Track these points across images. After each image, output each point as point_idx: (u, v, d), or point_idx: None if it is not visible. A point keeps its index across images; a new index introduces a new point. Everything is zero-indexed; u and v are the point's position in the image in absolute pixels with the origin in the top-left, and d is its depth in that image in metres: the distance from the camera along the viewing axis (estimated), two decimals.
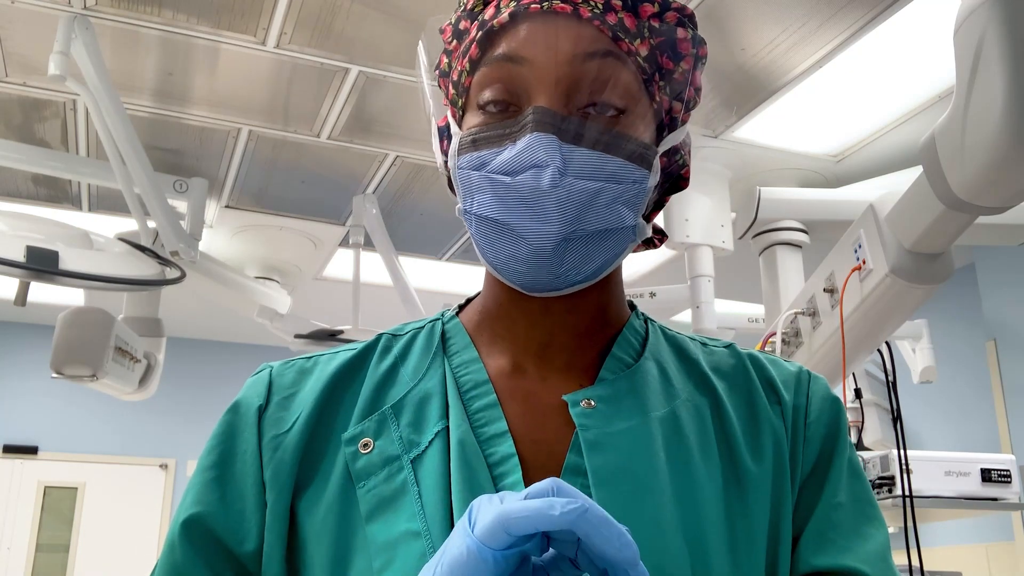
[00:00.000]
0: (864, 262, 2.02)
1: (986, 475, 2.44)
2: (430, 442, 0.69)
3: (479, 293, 0.81)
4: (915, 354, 3.47)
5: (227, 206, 3.87)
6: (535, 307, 0.74)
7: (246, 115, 3.12)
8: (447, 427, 0.70)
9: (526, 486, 0.65)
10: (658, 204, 0.77)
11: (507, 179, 0.67)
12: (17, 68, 2.83)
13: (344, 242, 4.20)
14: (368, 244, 3.61)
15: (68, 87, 2.52)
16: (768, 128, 3.09)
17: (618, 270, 0.76)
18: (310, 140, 3.29)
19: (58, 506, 6.14)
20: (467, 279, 4.75)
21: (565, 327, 0.74)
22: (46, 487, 6.12)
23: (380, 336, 0.80)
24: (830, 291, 2.19)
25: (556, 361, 0.74)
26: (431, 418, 0.71)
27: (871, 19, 2.47)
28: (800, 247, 2.84)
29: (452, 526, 0.64)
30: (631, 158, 0.69)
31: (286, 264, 4.55)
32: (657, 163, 0.72)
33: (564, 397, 0.71)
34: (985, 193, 1.63)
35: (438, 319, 0.81)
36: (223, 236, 4.18)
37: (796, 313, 2.35)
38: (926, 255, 1.92)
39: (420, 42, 0.84)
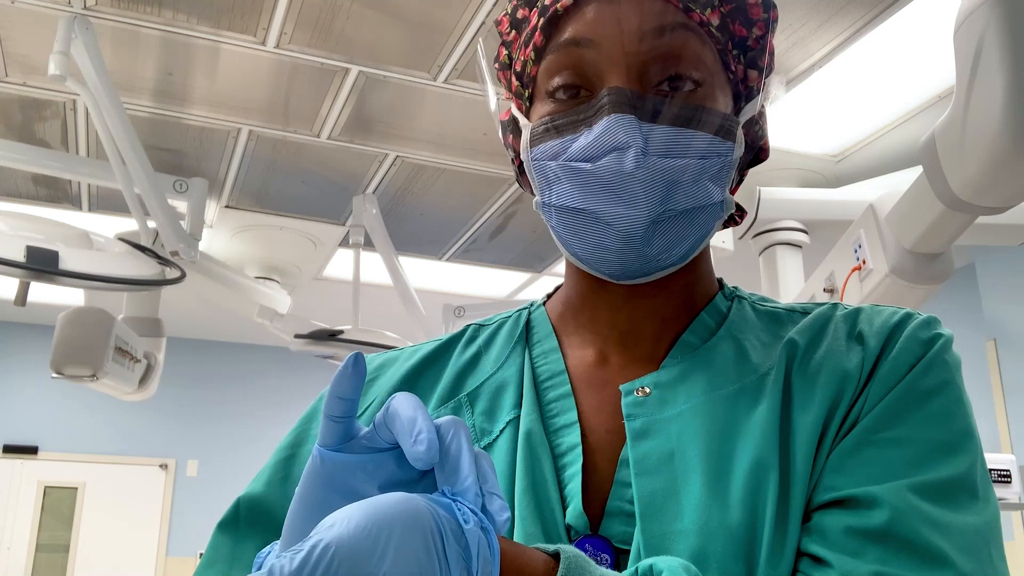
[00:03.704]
0: (864, 262, 2.02)
1: None
2: (501, 431, 0.69)
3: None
4: None
5: (227, 206, 3.87)
6: (619, 294, 0.71)
7: (246, 115, 3.12)
8: (518, 416, 0.69)
9: (588, 476, 0.65)
10: (739, 180, 0.74)
11: (587, 165, 0.65)
12: (17, 68, 2.83)
13: (344, 242, 4.20)
14: (368, 244, 3.61)
15: (68, 87, 2.52)
16: (768, 128, 3.09)
17: (706, 248, 0.73)
18: (310, 140, 3.29)
19: (58, 506, 6.14)
20: (467, 279, 4.75)
21: (649, 313, 0.72)
22: (46, 487, 6.13)
23: (468, 326, 0.80)
24: (830, 291, 2.19)
25: (639, 349, 0.71)
26: (504, 407, 0.70)
27: (871, 19, 2.47)
28: (800, 247, 2.84)
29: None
30: (714, 131, 0.66)
31: (286, 264, 4.55)
32: (740, 134, 0.69)
33: (620, 387, 0.68)
34: (985, 193, 1.63)
35: (526, 308, 0.80)
36: (223, 236, 4.18)
37: None
38: (926, 255, 1.92)
39: (479, 46, 0.81)
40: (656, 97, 0.65)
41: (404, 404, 0.50)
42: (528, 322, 0.78)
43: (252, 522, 0.70)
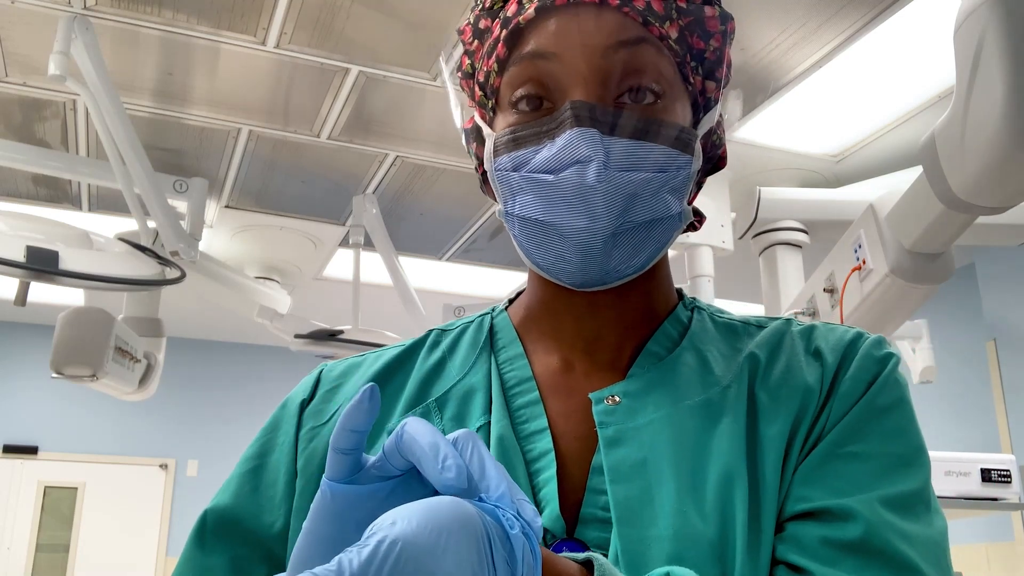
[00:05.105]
0: (864, 262, 2.02)
1: (986, 475, 2.44)
2: None
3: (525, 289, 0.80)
4: (915, 354, 3.47)
5: (227, 206, 3.87)
6: (581, 303, 0.73)
7: (246, 115, 3.12)
8: (488, 423, 0.70)
9: (559, 481, 0.66)
10: (697, 186, 0.76)
11: (549, 177, 0.66)
12: (17, 68, 2.83)
13: (344, 242, 4.20)
14: (368, 244, 3.61)
15: (68, 87, 2.52)
16: (768, 128, 3.09)
17: (664, 257, 0.75)
18: (310, 140, 3.29)
19: (58, 506, 6.14)
20: (467, 279, 4.75)
21: (612, 321, 0.73)
22: (46, 487, 6.13)
23: (430, 332, 0.80)
24: (830, 291, 2.19)
25: (602, 356, 0.73)
26: (474, 413, 0.71)
27: (871, 19, 2.47)
28: (800, 247, 2.84)
29: None
30: (673, 144, 0.68)
31: (286, 264, 4.55)
32: (698, 147, 0.70)
33: (590, 395, 0.70)
34: (985, 193, 1.63)
35: (488, 314, 0.80)
36: (223, 236, 4.18)
37: (796, 313, 2.35)
38: (926, 255, 1.92)
39: (442, 53, 0.83)
40: (617, 110, 0.67)
41: (421, 431, 0.50)
42: (492, 328, 0.78)
43: (220, 534, 0.71)
